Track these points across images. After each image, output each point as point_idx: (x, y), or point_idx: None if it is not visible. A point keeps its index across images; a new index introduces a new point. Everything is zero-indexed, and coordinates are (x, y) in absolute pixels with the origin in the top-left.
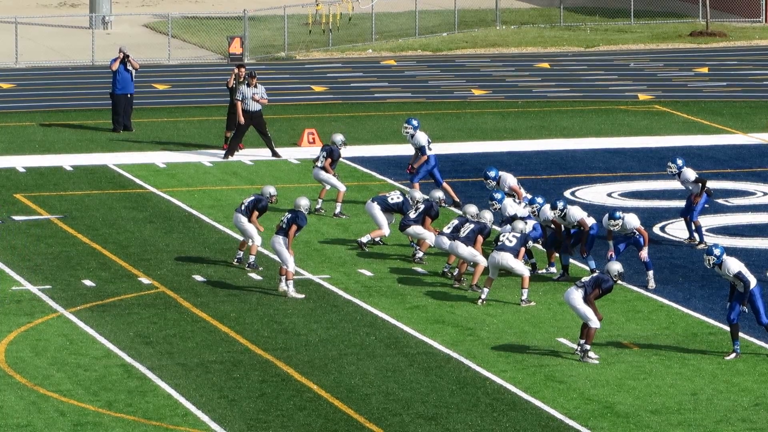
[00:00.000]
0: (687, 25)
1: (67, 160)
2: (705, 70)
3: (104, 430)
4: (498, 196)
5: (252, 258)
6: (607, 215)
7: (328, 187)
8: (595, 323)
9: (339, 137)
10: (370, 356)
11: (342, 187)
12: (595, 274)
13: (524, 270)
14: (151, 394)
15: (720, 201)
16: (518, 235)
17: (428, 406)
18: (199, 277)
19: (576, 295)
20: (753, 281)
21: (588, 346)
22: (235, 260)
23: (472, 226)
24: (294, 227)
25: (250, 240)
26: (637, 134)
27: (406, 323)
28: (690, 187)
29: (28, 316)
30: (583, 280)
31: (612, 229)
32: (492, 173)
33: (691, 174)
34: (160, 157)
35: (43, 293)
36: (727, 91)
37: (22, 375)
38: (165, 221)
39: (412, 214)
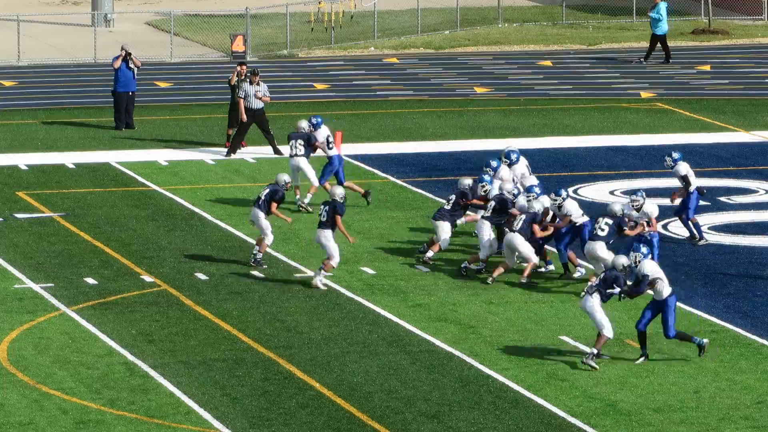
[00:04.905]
0: (689, 23)
1: (69, 158)
2: (707, 68)
3: (106, 429)
4: (487, 177)
5: (259, 255)
6: (629, 198)
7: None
8: (608, 332)
9: (305, 122)
10: (373, 354)
11: (316, 182)
12: (602, 275)
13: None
14: (154, 392)
15: (722, 199)
16: (524, 216)
17: (430, 404)
18: (201, 275)
19: (594, 302)
20: (666, 291)
21: (596, 351)
22: (252, 261)
23: (524, 216)
24: (338, 217)
25: (264, 236)
26: (639, 132)
27: (409, 321)
28: (680, 182)
29: (31, 314)
30: (590, 284)
31: (633, 208)
32: (494, 163)
33: (682, 169)
34: (162, 155)
35: (45, 291)
36: (730, 89)
37: (25, 373)
38: (167, 219)
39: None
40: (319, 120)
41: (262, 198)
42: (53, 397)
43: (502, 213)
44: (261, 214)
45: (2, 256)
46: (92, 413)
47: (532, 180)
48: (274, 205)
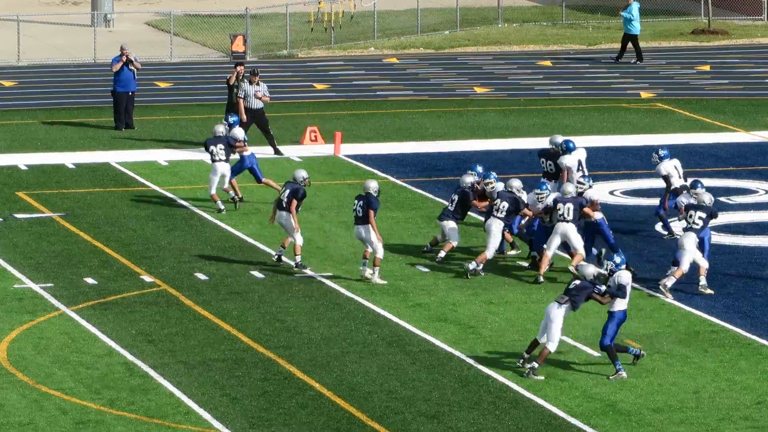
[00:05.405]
0: (689, 23)
1: (69, 158)
2: (707, 68)
3: (106, 429)
4: (493, 174)
5: (298, 258)
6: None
7: (228, 178)
8: (552, 346)
9: (221, 126)
10: (372, 354)
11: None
12: (576, 282)
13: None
14: (153, 393)
15: (722, 199)
16: (570, 206)
17: (430, 404)
18: (201, 275)
19: (558, 312)
20: (623, 306)
21: (537, 365)
22: (275, 257)
23: (570, 205)
24: (371, 212)
25: (292, 239)
26: (639, 132)
27: (408, 321)
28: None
29: (30, 314)
30: (566, 291)
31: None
32: (493, 174)
33: (663, 169)
34: (162, 155)
35: (45, 291)
36: (729, 89)
37: (24, 373)
38: (167, 219)
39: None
40: (236, 119)
41: (284, 199)
42: (53, 397)
43: (514, 213)
44: (285, 215)
45: (2, 256)
46: (92, 413)
47: (578, 175)
48: (294, 203)
